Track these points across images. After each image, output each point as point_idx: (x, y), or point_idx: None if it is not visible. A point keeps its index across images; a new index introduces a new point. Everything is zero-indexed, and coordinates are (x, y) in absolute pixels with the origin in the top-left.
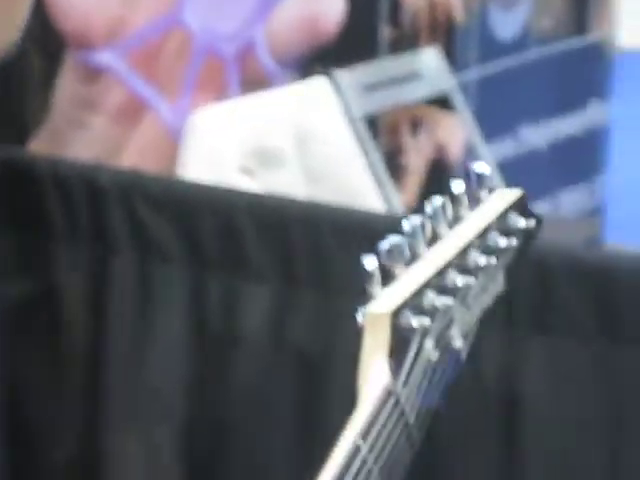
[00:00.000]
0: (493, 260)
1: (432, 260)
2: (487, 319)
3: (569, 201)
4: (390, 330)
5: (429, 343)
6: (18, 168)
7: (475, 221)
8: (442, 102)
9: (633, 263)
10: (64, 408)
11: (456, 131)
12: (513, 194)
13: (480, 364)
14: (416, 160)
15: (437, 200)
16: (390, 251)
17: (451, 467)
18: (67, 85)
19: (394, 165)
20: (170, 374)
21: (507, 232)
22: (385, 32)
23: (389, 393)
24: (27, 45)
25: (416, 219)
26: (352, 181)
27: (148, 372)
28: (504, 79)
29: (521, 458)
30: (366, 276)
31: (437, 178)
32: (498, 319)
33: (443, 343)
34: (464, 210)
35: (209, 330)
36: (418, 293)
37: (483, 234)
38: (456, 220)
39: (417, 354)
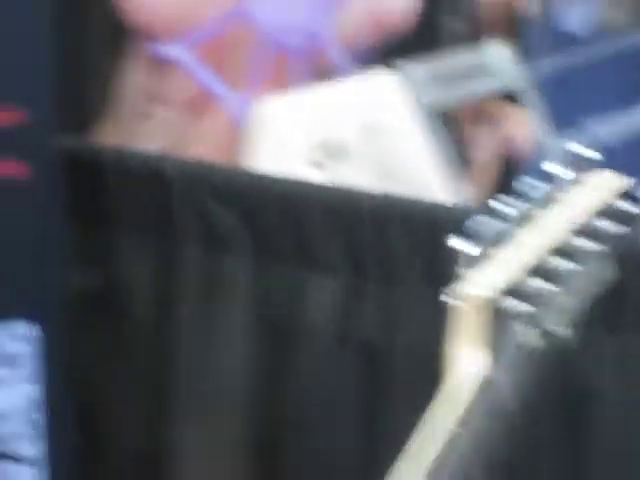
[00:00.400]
0: (599, 246)
1: (529, 243)
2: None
3: None
4: (491, 315)
5: (531, 330)
6: (83, 158)
7: (575, 204)
8: (511, 96)
9: None
10: (131, 400)
11: (525, 126)
12: (617, 178)
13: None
14: (485, 155)
15: (526, 180)
16: (478, 232)
17: (524, 466)
18: (135, 77)
19: (463, 159)
20: (236, 367)
21: (614, 217)
22: (453, 25)
23: (489, 381)
24: (92, 34)
25: (504, 199)
26: (421, 174)
27: (214, 365)
28: (575, 73)
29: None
30: (454, 258)
31: (507, 173)
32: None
33: (545, 331)
34: (560, 192)
35: (275, 323)
36: (519, 277)
37: (587, 218)
38: (550, 202)
39: (518, 341)
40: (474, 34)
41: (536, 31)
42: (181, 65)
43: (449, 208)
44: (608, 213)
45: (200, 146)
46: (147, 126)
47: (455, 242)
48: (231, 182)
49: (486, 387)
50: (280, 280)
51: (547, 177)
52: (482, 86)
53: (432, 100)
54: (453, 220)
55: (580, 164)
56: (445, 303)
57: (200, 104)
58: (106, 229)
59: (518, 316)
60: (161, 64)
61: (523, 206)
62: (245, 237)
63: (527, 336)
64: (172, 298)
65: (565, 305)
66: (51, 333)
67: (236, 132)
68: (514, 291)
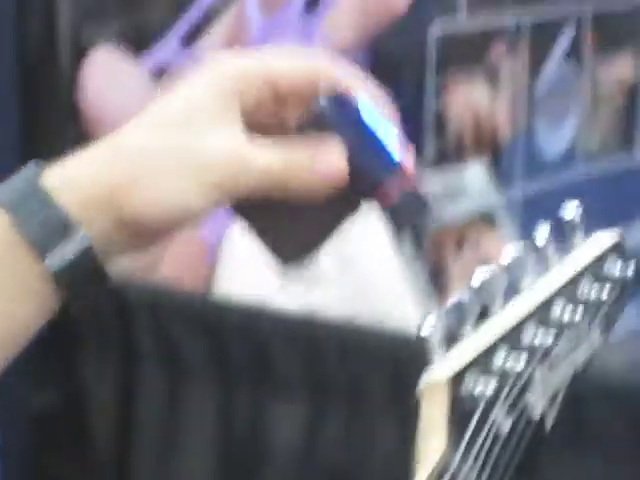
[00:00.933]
0: (580, 313)
1: (508, 315)
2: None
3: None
4: (449, 400)
5: (499, 412)
6: None
7: (562, 270)
8: (487, 218)
9: None
10: None
11: (501, 248)
12: (611, 237)
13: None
14: (460, 278)
15: (516, 249)
16: (454, 310)
17: None
18: None
19: (438, 283)
20: None
21: (602, 280)
22: (430, 146)
23: (442, 474)
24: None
25: (490, 271)
26: (394, 300)
27: None
28: (550, 196)
29: None
30: (427, 339)
31: None
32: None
33: (518, 411)
34: (550, 260)
35: (237, 446)
36: (485, 354)
37: (571, 283)
38: (540, 272)
39: (481, 428)
40: (451, 155)
41: (513, 154)
42: None
43: (412, 337)
44: (596, 276)
45: (170, 268)
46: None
47: (427, 321)
48: (194, 308)
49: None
50: (242, 404)
51: (536, 246)
52: (458, 207)
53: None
54: (416, 348)
55: (574, 229)
56: (410, 421)
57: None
58: (69, 348)
59: (478, 398)
60: None
61: (511, 276)
62: (207, 361)
63: (492, 419)
64: (133, 420)
65: (542, 380)
66: (11, 451)
67: (207, 254)
68: (477, 369)
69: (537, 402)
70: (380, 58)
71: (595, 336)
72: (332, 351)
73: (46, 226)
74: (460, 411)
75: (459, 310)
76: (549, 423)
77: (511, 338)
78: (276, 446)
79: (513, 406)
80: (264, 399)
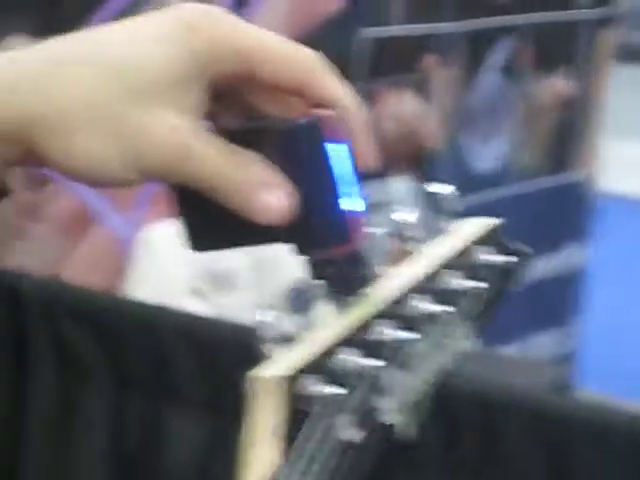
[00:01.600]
0: (445, 307)
1: (356, 310)
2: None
3: (540, 345)
4: (280, 400)
5: (343, 417)
6: None
7: (426, 258)
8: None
9: (587, 412)
10: None
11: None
12: (486, 224)
13: None
14: None
15: (375, 231)
16: (293, 300)
17: None
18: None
19: None
20: None
21: (472, 272)
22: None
23: None
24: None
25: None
26: None
27: None
28: (478, 214)
29: None
30: (260, 334)
31: None
32: (436, 462)
33: (367, 417)
34: (414, 244)
35: (131, 454)
36: (326, 352)
37: (432, 274)
38: (402, 257)
39: (322, 433)
40: (380, 168)
41: (441, 168)
42: (60, 180)
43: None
44: (464, 266)
45: (79, 268)
46: (23, 244)
47: (262, 313)
48: (89, 304)
49: None
50: (137, 410)
51: (398, 227)
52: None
53: None
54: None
55: (442, 208)
56: None
57: (80, 223)
58: None
59: (317, 400)
60: (39, 178)
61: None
62: (102, 363)
63: (335, 425)
64: (24, 423)
65: (396, 383)
66: None
67: (118, 255)
68: (318, 369)
69: (389, 406)
70: None
71: (461, 334)
72: (232, 356)
73: None
74: (294, 414)
75: (300, 302)
76: (410, 430)
77: (361, 334)
78: (172, 454)
79: (361, 410)
80: (161, 405)
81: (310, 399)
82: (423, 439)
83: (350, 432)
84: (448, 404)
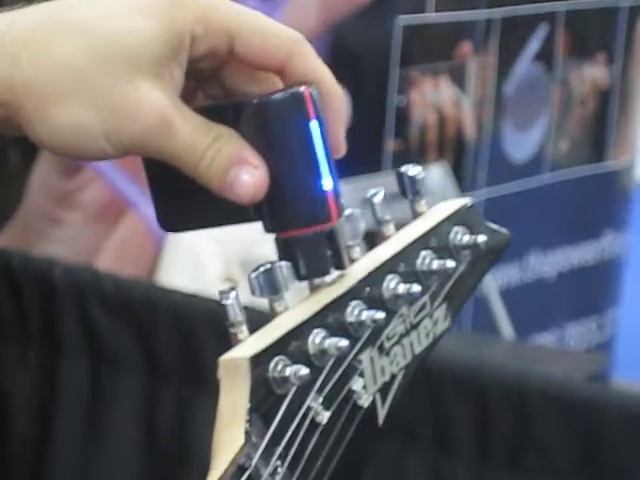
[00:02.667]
0: (416, 288)
1: (327, 291)
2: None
3: (576, 333)
4: (250, 382)
5: (315, 399)
6: None
7: (399, 238)
8: None
9: (622, 400)
10: None
11: None
12: (462, 204)
13: None
14: None
15: (350, 211)
16: (261, 282)
17: None
18: (44, 177)
19: None
20: None
21: (446, 252)
22: (390, 145)
23: (241, 468)
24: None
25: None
26: None
27: None
28: (514, 202)
29: None
30: (229, 316)
31: None
32: (470, 452)
33: (340, 400)
34: (388, 226)
35: (161, 441)
36: (299, 332)
37: (408, 254)
38: (379, 240)
39: (294, 415)
40: (412, 155)
41: (477, 156)
42: (94, 168)
43: None
44: (437, 246)
45: (111, 256)
46: (56, 231)
47: (229, 296)
48: (120, 292)
49: (239, 477)
50: (167, 398)
51: (372, 207)
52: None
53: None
54: None
55: (419, 190)
56: None
57: (114, 211)
58: None
59: (285, 382)
60: (73, 165)
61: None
62: (133, 351)
63: (306, 408)
64: (54, 412)
65: (370, 365)
66: None
67: (151, 243)
68: (286, 349)
69: (365, 389)
70: (340, 49)
71: (439, 315)
72: None
73: None
74: (265, 396)
75: (272, 283)
76: (382, 414)
77: (333, 315)
78: (204, 442)
79: (334, 392)
80: (192, 393)
81: (281, 380)
82: (457, 428)
83: (322, 414)
84: (484, 394)
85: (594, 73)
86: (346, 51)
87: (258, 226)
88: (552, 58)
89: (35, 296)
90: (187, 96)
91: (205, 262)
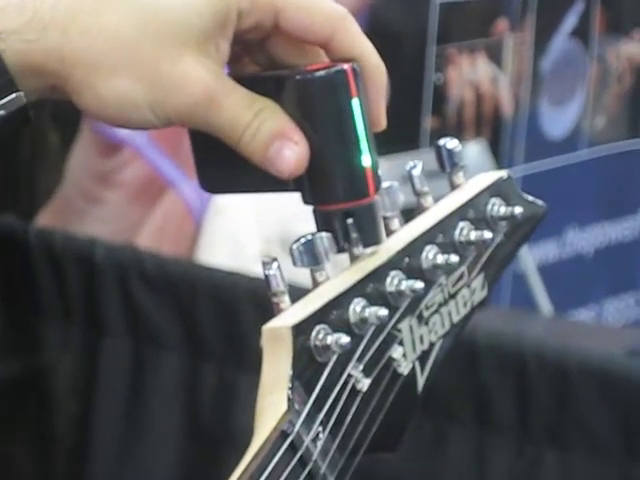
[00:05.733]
0: (454, 258)
1: (367, 262)
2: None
3: (614, 309)
4: (293, 350)
5: (355, 367)
6: (12, 240)
7: (437, 210)
8: None
9: None
10: None
11: None
12: (495, 175)
13: (488, 473)
14: None
15: (390, 184)
16: (302, 253)
17: None
18: (83, 157)
19: None
20: (160, 464)
21: (482, 222)
22: (428, 122)
23: (284, 434)
24: (41, 113)
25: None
26: None
27: (138, 461)
28: (551, 178)
29: None
30: (272, 286)
31: None
32: (511, 428)
33: (380, 367)
34: (427, 198)
35: (202, 420)
36: (337, 301)
37: (445, 225)
38: (417, 212)
39: (335, 382)
40: (450, 132)
41: (514, 133)
42: (133, 147)
43: None
44: (474, 218)
45: (151, 235)
46: (96, 211)
47: (271, 266)
48: (162, 271)
49: (280, 443)
50: (210, 377)
51: (412, 181)
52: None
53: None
54: None
55: (457, 163)
56: None
57: (153, 189)
58: (32, 316)
59: (326, 350)
60: (112, 145)
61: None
62: (175, 330)
63: (347, 375)
64: (97, 391)
65: (410, 334)
66: None
67: (190, 221)
68: (327, 318)
69: (404, 357)
70: (377, 25)
71: (477, 285)
72: None
73: None
74: (307, 364)
75: (312, 254)
76: (421, 382)
77: (372, 285)
78: (246, 421)
79: (374, 360)
80: (233, 371)
81: (322, 348)
82: (498, 405)
83: (362, 381)
84: (524, 370)
85: (630, 49)
86: (383, 29)
87: (297, 205)
88: (588, 34)
89: (77, 275)
90: (232, 61)
91: (244, 241)
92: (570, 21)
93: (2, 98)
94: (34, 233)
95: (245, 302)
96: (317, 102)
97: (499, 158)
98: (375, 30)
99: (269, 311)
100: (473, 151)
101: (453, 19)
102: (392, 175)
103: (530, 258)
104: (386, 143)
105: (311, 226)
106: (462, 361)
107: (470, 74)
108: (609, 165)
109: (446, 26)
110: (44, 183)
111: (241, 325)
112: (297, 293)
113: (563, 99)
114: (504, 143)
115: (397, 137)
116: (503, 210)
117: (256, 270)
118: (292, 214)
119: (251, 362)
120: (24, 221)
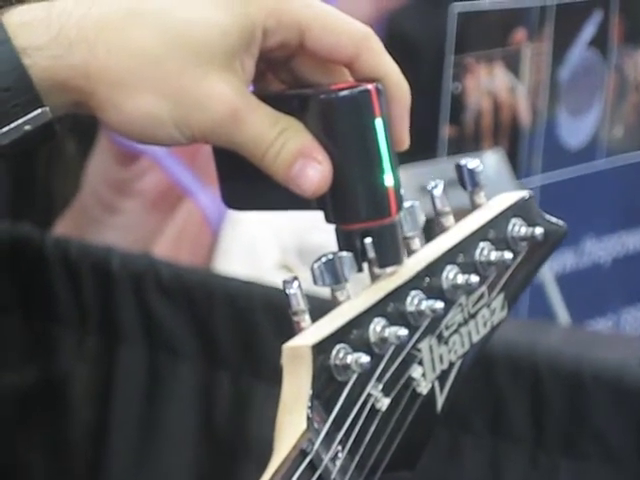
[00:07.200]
0: (474, 278)
1: (388, 281)
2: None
3: (632, 319)
4: (313, 369)
5: (375, 387)
6: (29, 248)
7: (458, 230)
8: None
9: None
10: None
11: None
12: (516, 195)
13: None
14: None
15: (411, 204)
16: (324, 272)
17: None
18: (100, 165)
19: None
20: (176, 473)
21: (503, 242)
22: (446, 131)
23: (303, 453)
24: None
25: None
26: None
27: (153, 469)
28: (569, 188)
29: None
30: (292, 305)
31: None
32: (526, 438)
33: (399, 387)
34: (448, 218)
35: (217, 428)
36: (360, 321)
37: (466, 245)
38: (438, 232)
39: (354, 401)
40: (468, 141)
41: (532, 142)
42: (150, 156)
43: None
44: (495, 238)
45: (169, 244)
46: (113, 219)
47: (291, 284)
48: (177, 279)
49: (300, 461)
50: (225, 385)
51: (433, 199)
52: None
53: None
54: None
55: (479, 183)
56: None
57: (170, 198)
58: (48, 323)
59: (346, 369)
60: (130, 154)
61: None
62: (190, 338)
63: (366, 395)
64: (112, 399)
65: (429, 353)
66: None
67: (207, 230)
68: (347, 337)
69: (424, 377)
70: (395, 35)
71: (497, 305)
72: None
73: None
74: (327, 383)
75: (333, 273)
76: (440, 402)
77: (393, 304)
78: (261, 430)
79: (394, 379)
80: (248, 380)
81: (342, 368)
82: (513, 414)
83: (382, 400)
84: (539, 380)
85: None
86: (401, 38)
87: (314, 215)
88: (606, 44)
89: (93, 284)
90: (257, 79)
91: (261, 251)
92: (588, 31)
93: (28, 113)
94: (51, 242)
95: (261, 311)
96: (341, 121)
97: (517, 167)
98: (393, 40)
99: (285, 321)
100: (491, 160)
101: (471, 29)
102: (410, 185)
103: (547, 268)
104: (404, 152)
105: (327, 236)
106: (477, 371)
107: (488, 83)
108: (627, 175)
109: (464, 36)
110: (61, 192)
111: (257, 334)
112: (315, 303)
113: (581, 109)
114: (522, 153)
115: (415, 146)
116: (524, 230)
117: (272, 279)
118: (309, 224)
119: (266, 371)
120: (41, 230)
